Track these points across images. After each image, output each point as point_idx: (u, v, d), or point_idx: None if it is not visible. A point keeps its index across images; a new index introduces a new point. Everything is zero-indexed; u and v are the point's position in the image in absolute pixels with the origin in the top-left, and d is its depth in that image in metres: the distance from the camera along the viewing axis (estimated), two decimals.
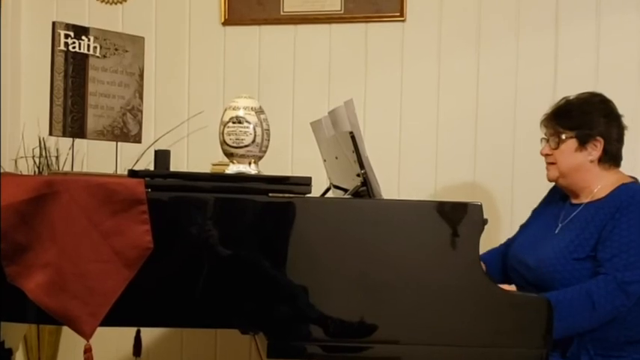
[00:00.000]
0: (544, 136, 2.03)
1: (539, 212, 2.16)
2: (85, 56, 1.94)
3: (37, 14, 2.97)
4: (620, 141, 1.97)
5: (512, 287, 1.88)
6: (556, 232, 1.98)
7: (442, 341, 1.65)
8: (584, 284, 1.81)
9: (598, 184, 1.94)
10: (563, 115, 1.97)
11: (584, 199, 1.96)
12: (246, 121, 1.80)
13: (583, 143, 1.94)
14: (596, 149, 1.93)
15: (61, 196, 1.58)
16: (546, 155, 2.01)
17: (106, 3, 2.95)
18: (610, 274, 1.80)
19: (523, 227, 2.18)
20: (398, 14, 2.77)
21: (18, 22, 2.97)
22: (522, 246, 2.07)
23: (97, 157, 2.81)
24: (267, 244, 1.65)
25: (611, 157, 1.96)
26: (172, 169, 1.87)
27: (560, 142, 1.96)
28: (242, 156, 1.81)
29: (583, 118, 1.94)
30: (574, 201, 2.00)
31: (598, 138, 1.93)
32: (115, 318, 1.59)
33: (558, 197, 2.09)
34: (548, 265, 1.90)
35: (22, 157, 2.89)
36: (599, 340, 1.85)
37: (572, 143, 1.94)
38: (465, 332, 1.65)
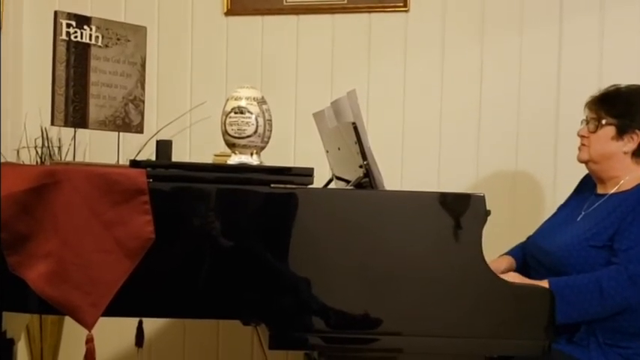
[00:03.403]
0: (585, 117, 2.03)
1: (565, 205, 2.17)
2: (87, 46, 1.93)
3: (38, 3, 2.96)
4: None
5: (517, 275, 1.88)
6: (578, 219, 1.99)
7: (444, 332, 1.65)
8: (596, 272, 1.81)
9: (626, 175, 1.94)
10: (609, 101, 1.97)
11: (610, 189, 1.97)
12: (249, 112, 1.79)
13: (621, 133, 1.93)
14: (632, 141, 1.93)
15: (63, 186, 1.58)
16: (582, 137, 2.01)
17: None
18: (622, 265, 1.80)
19: (547, 220, 2.18)
20: (401, 4, 2.75)
21: (20, 12, 2.96)
22: (543, 233, 2.09)
23: (99, 148, 2.81)
24: (269, 235, 1.64)
25: None
26: (174, 159, 1.87)
27: (599, 126, 1.96)
28: (244, 146, 1.81)
29: (627, 108, 1.94)
30: (599, 191, 2.01)
31: (637, 131, 1.92)
32: (116, 308, 1.59)
33: (585, 189, 2.10)
34: (563, 250, 1.90)
35: (24, 147, 2.88)
36: (608, 329, 1.84)
37: (611, 130, 1.94)
38: (468, 323, 1.65)
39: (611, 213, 1.89)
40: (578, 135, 2.03)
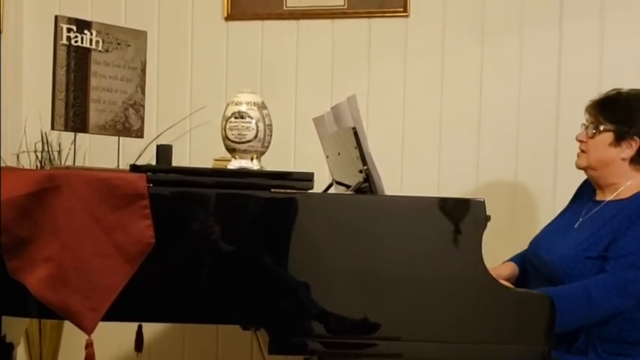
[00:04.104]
0: (585, 122, 2.01)
1: (565, 210, 2.15)
2: (88, 50, 1.93)
3: (39, 8, 2.97)
4: None
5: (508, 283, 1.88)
6: (576, 226, 1.97)
7: (444, 338, 1.64)
8: (586, 280, 1.81)
9: (625, 182, 1.92)
10: (608, 106, 1.94)
11: (608, 196, 1.95)
12: (249, 117, 1.79)
13: (619, 139, 1.91)
14: (630, 148, 1.91)
15: (63, 190, 1.58)
16: (580, 142, 1.99)
17: None
18: (611, 272, 1.79)
19: (547, 225, 2.16)
20: (401, 9, 2.76)
21: (20, 16, 2.97)
22: (542, 240, 2.06)
23: (99, 152, 2.81)
24: (268, 240, 1.64)
25: None
26: (174, 164, 1.87)
27: (597, 132, 1.93)
28: (244, 151, 1.81)
29: (626, 114, 1.91)
30: (598, 197, 1.99)
31: (635, 138, 1.90)
32: (116, 313, 1.59)
33: (584, 195, 2.08)
34: (560, 261, 1.89)
35: (24, 152, 2.88)
36: (607, 338, 1.84)
37: (609, 137, 1.92)
38: (467, 329, 1.64)
39: (607, 223, 1.87)
40: (577, 139, 2.01)
